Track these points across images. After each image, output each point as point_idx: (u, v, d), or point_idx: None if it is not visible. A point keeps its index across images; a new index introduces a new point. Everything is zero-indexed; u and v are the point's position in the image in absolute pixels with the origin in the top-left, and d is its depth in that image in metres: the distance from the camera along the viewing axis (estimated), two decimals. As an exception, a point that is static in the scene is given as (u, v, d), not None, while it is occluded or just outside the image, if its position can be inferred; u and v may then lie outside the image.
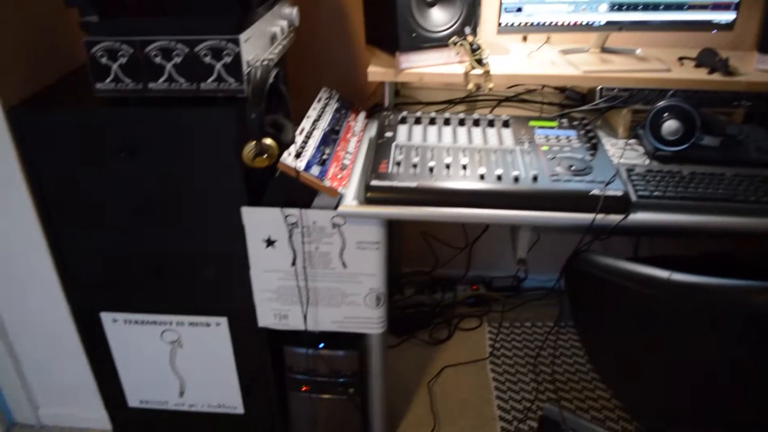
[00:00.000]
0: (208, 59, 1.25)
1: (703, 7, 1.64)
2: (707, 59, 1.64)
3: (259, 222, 1.39)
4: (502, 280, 2.33)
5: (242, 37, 1.24)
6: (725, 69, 1.59)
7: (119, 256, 1.50)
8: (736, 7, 1.63)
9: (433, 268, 2.33)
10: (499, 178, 1.34)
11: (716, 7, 1.64)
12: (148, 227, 1.45)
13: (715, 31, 1.66)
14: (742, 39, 1.82)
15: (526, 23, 1.64)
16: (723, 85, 1.59)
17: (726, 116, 1.68)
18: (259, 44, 1.37)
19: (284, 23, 1.55)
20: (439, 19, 1.58)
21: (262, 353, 1.60)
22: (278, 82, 1.30)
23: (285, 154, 1.31)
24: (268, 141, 1.26)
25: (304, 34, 1.84)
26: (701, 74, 1.61)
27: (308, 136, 1.43)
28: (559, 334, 2.18)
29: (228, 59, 1.25)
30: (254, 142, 1.26)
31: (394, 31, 1.54)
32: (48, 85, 1.50)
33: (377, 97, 1.83)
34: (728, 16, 1.64)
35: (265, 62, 1.27)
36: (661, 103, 1.48)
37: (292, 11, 1.60)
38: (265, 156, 1.27)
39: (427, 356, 2.09)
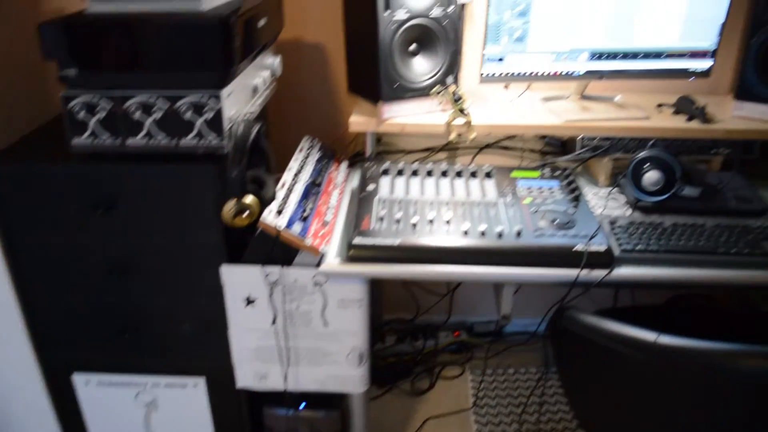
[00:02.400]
0: (188, 115, 1.22)
1: (680, 56, 1.65)
2: (685, 106, 1.66)
3: (239, 280, 1.35)
4: (484, 325, 2.30)
5: (224, 92, 1.22)
6: (703, 117, 1.60)
7: (93, 315, 1.45)
8: (713, 55, 1.65)
9: (415, 316, 2.29)
10: (483, 234, 1.33)
11: (693, 56, 1.65)
12: (124, 285, 1.40)
13: (693, 78, 1.68)
14: (718, 84, 1.84)
15: (508, 73, 1.64)
16: (701, 133, 1.60)
17: (705, 163, 1.69)
18: (241, 98, 1.35)
19: (266, 74, 1.53)
20: (421, 68, 1.57)
21: (240, 415, 1.55)
22: (260, 137, 1.28)
23: (266, 211, 1.28)
24: (249, 199, 1.24)
25: (285, 82, 1.82)
26: (680, 122, 1.62)
27: (290, 190, 1.40)
28: (543, 381, 2.16)
29: (209, 115, 1.22)
30: (234, 200, 1.23)
31: (376, 81, 1.52)
32: (23, 137, 1.46)
33: (359, 144, 1.81)
34: (705, 64, 1.66)
35: (247, 116, 1.25)
36: (642, 154, 1.49)
37: (275, 61, 1.59)
38: (246, 214, 1.24)
39: (410, 407, 2.04)
